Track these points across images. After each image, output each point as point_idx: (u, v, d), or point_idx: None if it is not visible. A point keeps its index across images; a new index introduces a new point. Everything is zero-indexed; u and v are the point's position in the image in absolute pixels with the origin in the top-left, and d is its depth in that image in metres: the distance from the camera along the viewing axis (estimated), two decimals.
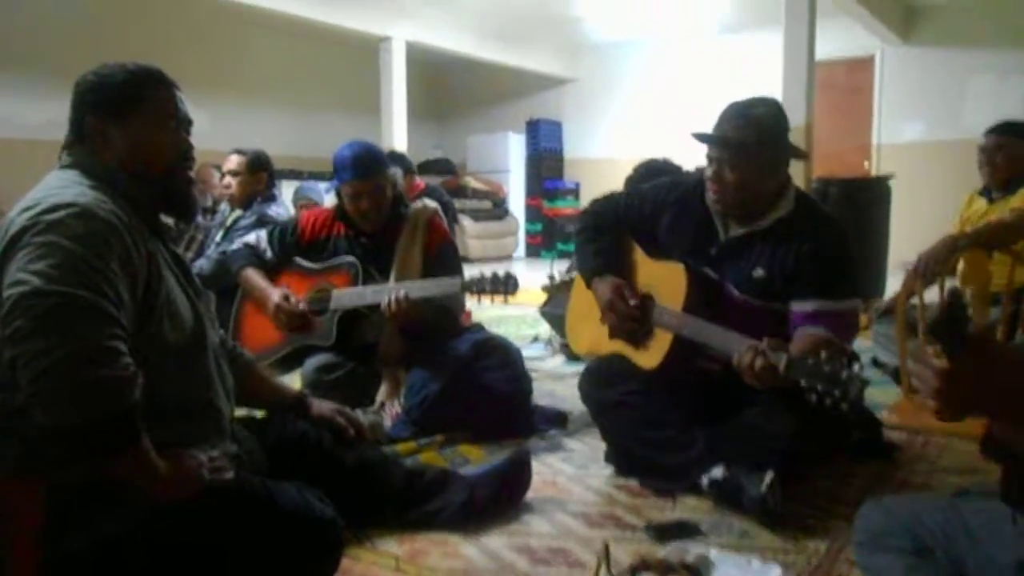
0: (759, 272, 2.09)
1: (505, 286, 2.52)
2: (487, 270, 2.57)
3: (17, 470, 1.34)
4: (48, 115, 6.58)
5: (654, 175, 3.41)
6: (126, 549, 1.32)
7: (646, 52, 10.15)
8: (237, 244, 2.97)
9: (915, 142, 8.51)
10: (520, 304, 5.83)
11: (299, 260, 2.85)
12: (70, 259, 1.27)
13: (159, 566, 1.34)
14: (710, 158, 2.12)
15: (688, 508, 2.02)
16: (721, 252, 2.18)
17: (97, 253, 1.30)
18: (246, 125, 8.56)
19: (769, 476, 1.87)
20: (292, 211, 4.12)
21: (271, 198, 3.79)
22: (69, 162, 1.49)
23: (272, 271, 2.86)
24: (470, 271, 2.67)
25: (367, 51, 8.62)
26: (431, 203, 2.95)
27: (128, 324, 1.33)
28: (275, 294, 2.72)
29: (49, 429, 1.23)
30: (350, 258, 2.74)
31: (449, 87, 11.83)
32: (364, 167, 2.69)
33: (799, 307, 2.03)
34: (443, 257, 2.81)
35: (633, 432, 2.16)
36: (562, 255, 9.53)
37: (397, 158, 4.59)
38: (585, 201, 10.19)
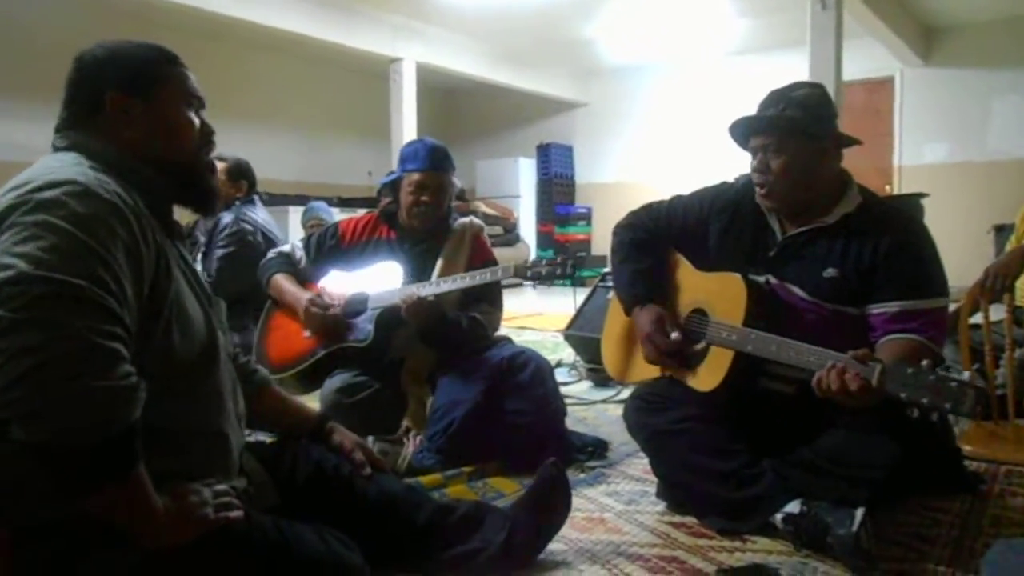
0: (831, 272, 1.86)
1: (564, 268, 2.34)
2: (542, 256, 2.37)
3: None
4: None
5: None
6: None
7: (659, 75, 10.00)
8: (271, 254, 2.79)
9: (938, 164, 8.31)
10: (540, 329, 5.65)
11: (334, 269, 2.70)
12: (66, 242, 1.04)
13: None
14: (754, 149, 1.93)
15: (760, 549, 1.76)
16: (781, 252, 1.95)
17: (98, 238, 1.07)
18: (251, 150, 8.33)
19: (860, 512, 1.62)
20: (283, 227, 4.12)
21: (250, 201, 3.76)
22: (66, 144, 1.26)
23: (306, 280, 2.70)
24: None
25: (376, 74, 8.48)
26: (478, 221, 2.79)
27: (131, 327, 1.10)
28: (306, 295, 2.58)
29: (25, 448, 0.99)
30: (391, 262, 2.58)
31: (459, 111, 11.69)
32: (438, 160, 2.59)
33: (881, 309, 1.80)
34: None
35: (691, 464, 1.90)
36: (576, 283, 9.30)
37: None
38: (598, 226, 10.22)
